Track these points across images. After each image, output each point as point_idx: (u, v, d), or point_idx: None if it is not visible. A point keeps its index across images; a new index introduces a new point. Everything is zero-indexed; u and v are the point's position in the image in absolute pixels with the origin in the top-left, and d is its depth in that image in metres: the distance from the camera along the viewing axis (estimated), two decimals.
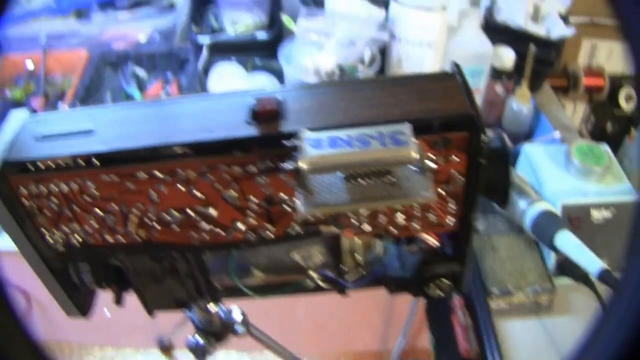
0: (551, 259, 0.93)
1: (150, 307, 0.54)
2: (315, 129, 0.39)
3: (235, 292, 0.54)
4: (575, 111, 1.41)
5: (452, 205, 0.45)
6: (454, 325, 0.91)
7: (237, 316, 0.68)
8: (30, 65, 1.32)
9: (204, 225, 0.46)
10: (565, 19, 1.16)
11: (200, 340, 0.64)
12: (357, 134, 0.38)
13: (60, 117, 0.48)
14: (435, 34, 1.06)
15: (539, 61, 1.12)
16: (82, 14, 1.40)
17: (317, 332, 0.82)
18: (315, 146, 0.37)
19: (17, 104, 1.25)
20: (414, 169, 0.39)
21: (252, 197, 0.44)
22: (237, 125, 0.43)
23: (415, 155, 0.37)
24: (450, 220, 0.46)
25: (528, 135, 1.13)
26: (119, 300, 0.54)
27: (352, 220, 0.46)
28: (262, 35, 1.23)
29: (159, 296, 0.54)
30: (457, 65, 0.46)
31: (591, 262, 0.70)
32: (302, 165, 0.37)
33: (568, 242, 0.74)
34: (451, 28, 1.08)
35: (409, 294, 0.54)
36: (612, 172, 0.95)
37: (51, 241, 0.48)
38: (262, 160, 0.42)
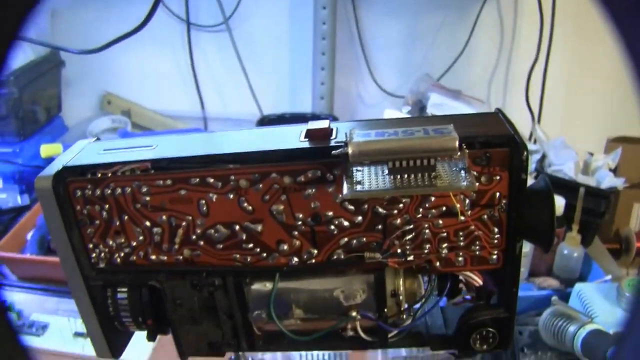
0: None
1: (185, 350, 0.53)
2: None
3: (271, 342, 0.53)
4: (629, 276, 1.38)
5: (496, 235, 0.45)
6: None
7: None
8: None
9: (249, 245, 0.47)
10: (614, 172, 1.19)
11: None
12: (402, 129, 0.40)
13: (123, 140, 0.51)
14: None
15: (590, 212, 1.13)
16: None
17: None
18: (363, 136, 0.39)
19: None
20: (457, 167, 0.40)
21: (299, 214, 0.45)
22: (291, 142, 0.45)
23: (457, 143, 0.38)
24: (494, 255, 0.46)
25: (579, 281, 1.11)
26: (152, 338, 0.53)
27: (397, 249, 0.46)
28: None
29: (194, 338, 0.52)
30: (499, 109, 0.49)
31: None
32: (350, 148, 0.39)
33: None
34: None
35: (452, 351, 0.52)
36: None
37: (94, 257, 0.49)
38: (312, 170, 0.44)
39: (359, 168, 0.41)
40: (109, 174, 0.46)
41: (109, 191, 0.46)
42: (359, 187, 0.39)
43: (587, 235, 1.16)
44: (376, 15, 1.52)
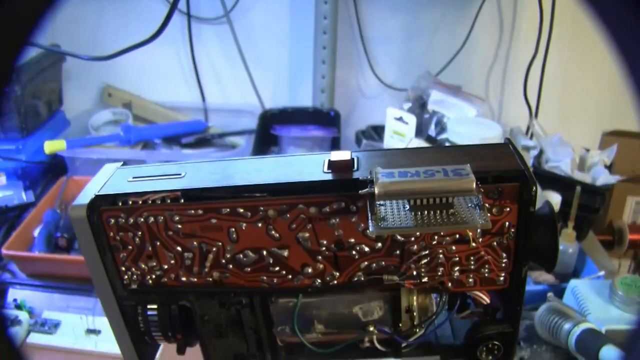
0: None
1: None
2: None
3: (294, 352, 0.56)
4: (621, 267, 1.42)
5: (504, 260, 0.49)
6: None
7: None
8: None
9: (275, 268, 0.50)
10: (610, 169, 1.22)
11: None
12: (423, 169, 0.43)
13: (150, 166, 0.53)
14: None
15: (584, 207, 1.16)
16: (148, 146, 1.52)
17: None
18: (387, 177, 0.42)
19: None
20: (472, 204, 0.43)
21: (323, 241, 0.49)
22: (316, 174, 0.48)
23: (474, 185, 0.41)
24: (502, 277, 0.50)
25: (573, 276, 1.15)
26: (181, 351, 0.56)
27: (413, 272, 0.50)
28: None
29: (221, 351, 0.56)
30: (509, 139, 0.52)
31: None
32: (376, 189, 0.42)
33: (612, 355, 0.75)
34: None
35: None
36: None
37: (127, 279, 0.52)
38: (337, 202, 0.47)
39: (382, 203, 0.44)
40: (140, 202, 0.49)
41: (142, 219, 0.49)
42: (383, 224, 0.42)
43: (581, 230, 1.20)
44: (377, 9, 1.55)
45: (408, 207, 0.43)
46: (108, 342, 1.04)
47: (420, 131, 1.30)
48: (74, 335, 1.05)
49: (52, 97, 1.57)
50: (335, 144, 1.41)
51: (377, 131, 1.41)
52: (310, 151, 1.36)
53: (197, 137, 1.53)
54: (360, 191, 0.44)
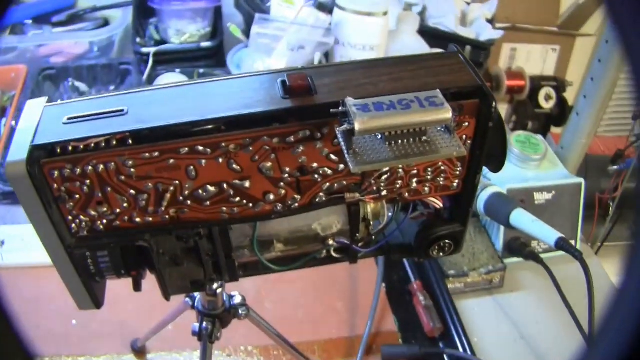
0: (499, 242, 1.00)
1: (169, 291, 0.55)
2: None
3: (251, 269, 0.57)
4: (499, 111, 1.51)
5: (459, 168, 0.51)
6: (416, 307, 0.96)
7: (238, 299, 0.70)
8: None
9: (236, 199, 0.49)
10: (491, 23, 1.26)
11: (207, 325, 0.66)
12: (397, 99, 0.42)
13: (83, 101, 0.48)
14: (377, 38, 1.12)
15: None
16: (16, 29, 1.39)
17: (286, 325, 0.85)
18: (363, 110, 0.41)
19: None
20: (442, 128, 0.44)
21: (286, 168, 0.47)
22: (275, 101, 0.46)
23: (451, 114, 0.42)
24: (455, 183, 0.52)
25: None
26: (138, 287, 0.54)
27: (373, 187, 0.50)
28: (206, 45, 1.26)
29: (178, 279, 0.55)
30: (456, 47, 0.52)
31: (548, 234, 0.78)
32: (357, 126, 0.41)
33: (524, 219, 0.81)
34: (391, 32, 1.15)
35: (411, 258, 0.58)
36: (548, 159, 1.05)
37: (75, 227, 0.48)
38: (302, 131, 0.45)
39: (357, 137, 0.43)
40: (81, 146, 0.44)
41: (90, 167, 0.45)
42: (362, 159, 0.42)
43: None
44: None
45: (381, 138, 0.43)
46: (14, 251, 1.00)
47: None
48: None
49: None
50: (217, 14, 1.34)
51: None
52: (193, 22, 1.28)
53: (68, 14, 1.41)
54: (338, 128, 0.43)
